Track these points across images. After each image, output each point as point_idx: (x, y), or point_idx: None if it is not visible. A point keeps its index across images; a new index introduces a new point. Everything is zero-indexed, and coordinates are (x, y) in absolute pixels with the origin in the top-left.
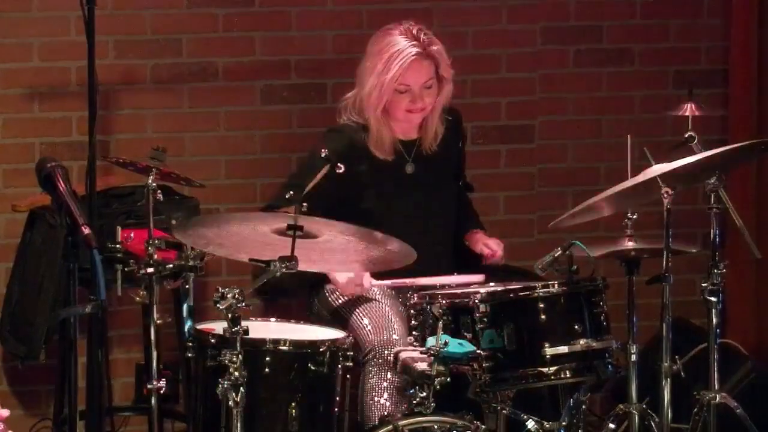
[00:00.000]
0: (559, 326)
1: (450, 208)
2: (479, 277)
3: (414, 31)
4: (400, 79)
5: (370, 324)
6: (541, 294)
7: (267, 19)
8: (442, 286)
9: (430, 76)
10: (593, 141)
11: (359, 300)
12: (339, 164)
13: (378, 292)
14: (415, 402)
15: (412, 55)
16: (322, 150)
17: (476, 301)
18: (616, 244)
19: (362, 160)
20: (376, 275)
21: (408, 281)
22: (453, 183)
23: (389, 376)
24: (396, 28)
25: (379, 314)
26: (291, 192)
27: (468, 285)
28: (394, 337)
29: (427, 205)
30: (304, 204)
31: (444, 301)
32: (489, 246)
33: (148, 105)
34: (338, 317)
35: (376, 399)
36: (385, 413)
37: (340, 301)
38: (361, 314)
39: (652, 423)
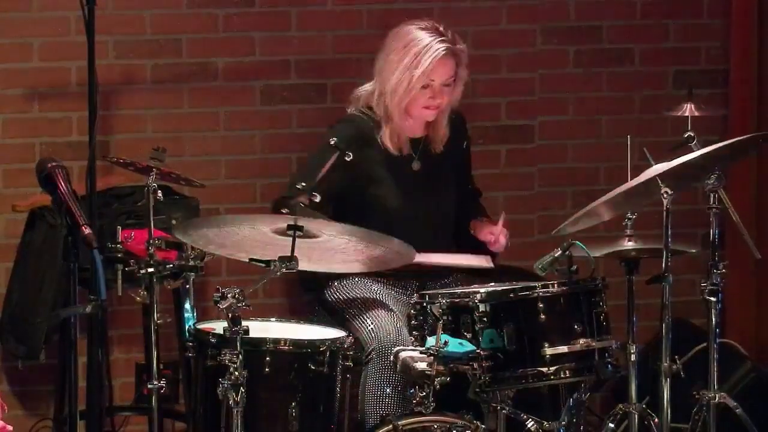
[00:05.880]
0: (559, 326)
1: (451, 208)
2: (485, 259)
3: (441, 28)
4: (429, 74)
5: (372, 324)
6: (541, 294)
7: (267, 19)
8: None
9: (452, 74)
10: (593, 141)
11: (361, 300)
12: (348, 152)
13: (379, 292)
14: (415, 402)
15: (443, 51)
16: (332, 139)
17: (476, 300)
18: (616, 244)
19: (370, 151)
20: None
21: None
22: (455, 184)
23: (391, 375)
24: (417, 24)
25: (381, 314)
26: (302, 183)
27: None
28: (397, 336)
29: (430, 203)
30: (315, 194)
31: (444, 301)
32: (492, 232)
33: (148, 105)
34: (340, 318)
35: (378, 398)
36: (387, 412)
37: (341, 302)
38: (363, 314)
39: (652, 423)
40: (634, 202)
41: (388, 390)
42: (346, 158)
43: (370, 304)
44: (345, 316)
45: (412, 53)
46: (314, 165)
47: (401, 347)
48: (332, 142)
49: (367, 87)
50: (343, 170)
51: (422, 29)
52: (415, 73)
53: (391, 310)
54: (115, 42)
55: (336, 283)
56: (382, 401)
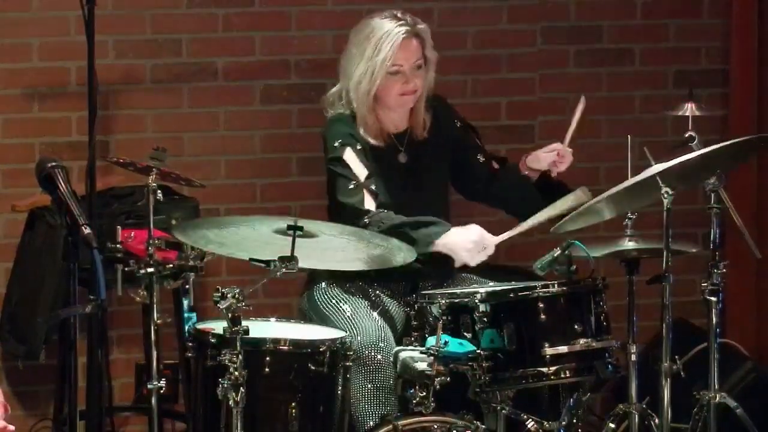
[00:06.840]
0: (559, 326)
1: (440, 198)
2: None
3: (398, 14)
4: (392, 60)
5: (355, 326)
6: (541, 294)
7: (267, 19)
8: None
9: (419, 55)
10: (593, 141)
11: (347, 301)
12: (354, 143)
13: (369, 293)
14: (415, 402)
15: (402, 34)
16: (336, 141)
17: (476, 300)
18: (616, 244)
19: (361, 145)
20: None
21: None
22: (446, 171)
23: (373, 373)
24: (377, 15)
25: (364, 316)
26: (351, 185)
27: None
28: (379, 336)
29: (420, 193)
30: (371, 184)
31: (444, 301)
32: (550, 150)
33: (148, 105)
34: (325, 319)
35: (361, 395)
36: (369, 407)
37: (329, 303)
38: (346, 316)
39: (652, 423)
40: (634, 200)
41: (369, 386)
42: (358, 146)
43: (355, 306)
44: (337, 316)
45: (373, 42)
46: (344, 170)
47: (401, 347)
48: (337, 144)
49: (334, 90)
50: (363, 157)
51: (382, 18)
52: (377, 61)
53: (377, 311)
54: (115, 42)
55: (324, 284)
56: (365, 398)
